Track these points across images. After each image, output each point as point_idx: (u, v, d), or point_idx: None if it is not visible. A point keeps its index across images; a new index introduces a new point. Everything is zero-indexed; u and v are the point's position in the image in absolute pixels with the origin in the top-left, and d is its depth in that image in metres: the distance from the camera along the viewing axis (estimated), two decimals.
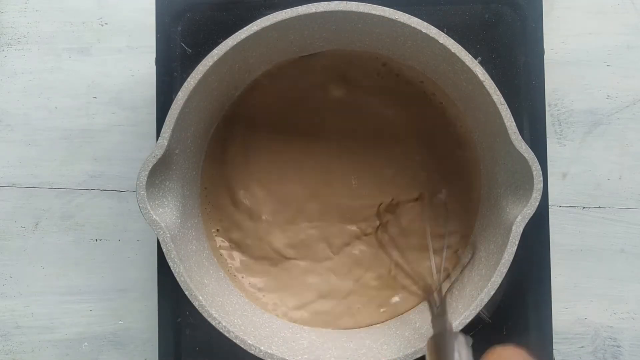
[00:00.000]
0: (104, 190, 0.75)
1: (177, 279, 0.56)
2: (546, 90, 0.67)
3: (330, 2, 0.56)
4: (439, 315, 0.57)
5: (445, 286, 0.63)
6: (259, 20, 0.56)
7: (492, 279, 0.56)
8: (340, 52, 0.66)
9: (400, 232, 0.67)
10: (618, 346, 0.73)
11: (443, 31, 0.56)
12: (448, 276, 0.66)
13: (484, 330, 0.66)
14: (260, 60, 0.63)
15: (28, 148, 0.75)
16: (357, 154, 0.68)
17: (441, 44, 0.56)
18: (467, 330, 0.56)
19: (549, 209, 0.68)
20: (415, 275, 0.65)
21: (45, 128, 0.75)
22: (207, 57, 0.56)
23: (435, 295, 0.61)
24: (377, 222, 0.67)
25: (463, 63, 0.56)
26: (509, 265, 0.55)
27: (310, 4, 0.56)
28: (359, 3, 0.56)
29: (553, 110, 0.72)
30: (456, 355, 0.50)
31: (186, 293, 0.56)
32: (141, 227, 0.74)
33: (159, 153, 0.55)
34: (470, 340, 0.51)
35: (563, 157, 0.73)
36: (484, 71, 0.56)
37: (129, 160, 0.74)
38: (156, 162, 0.55)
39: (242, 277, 0.68)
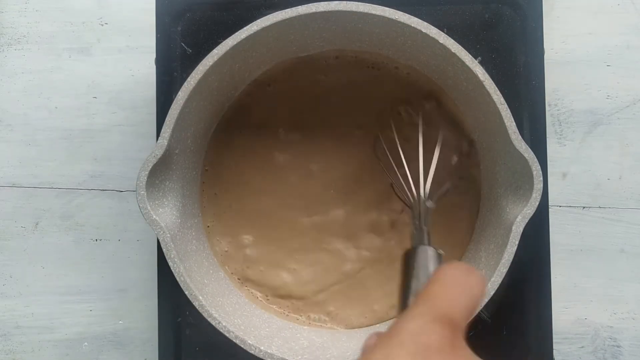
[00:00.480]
0: (104, 190, 0.75)
1: (177, 278, 0.56)
2: (546, 90, 0.67)
3: (330, 2, 0.56)
4: (418, 228, 0.56)
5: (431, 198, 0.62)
6: (259, 20, 0.56)
7: (492, 279, 0.56)
8: (340, 53, 0.66)
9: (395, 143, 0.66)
10: (618, 346, 0.73)
11: (443, 31, 0.56)
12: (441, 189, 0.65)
13: (484, 330, 0.66)
14: (260, 60, 0.64)
15: (28, 148, 0.75)
16: (356, 153, 0.68)
17: (441, 44, 0.56)
18: (467, 330, 0.56)
19: (549, 209, 0.68)
20: (405, 186, 0.64)
21: (45, 128, 0.75)
22: (207, 57, 0.56)
23: (420, 206, 0.59)
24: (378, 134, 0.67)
25: (463, 63, 0.56)
26: (509, 265, 0.55)
27: (311, 4, 0.56)
28: (359, 3, 0.56)
29: (553, 110, 0.72)
30: (418, 269, 0.48)
31: (186, 293, 0.56)
32: (141, 227, 0.74)
33: (159, 153, 0.55)
34: (441, 254, 0.50)
35: (563, 157, 0.73)
36: (484, 71, 0.56)
37: (129, 160, 0.74)
38: (156, 162, 0.55)
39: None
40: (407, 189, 0.62)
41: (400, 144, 0.64)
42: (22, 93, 0.75)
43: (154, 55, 0.67)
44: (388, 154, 0.65)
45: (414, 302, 0.39)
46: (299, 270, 0.68)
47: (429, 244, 0.51)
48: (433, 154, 0.62)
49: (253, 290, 0.68)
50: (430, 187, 0.61)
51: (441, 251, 0.50)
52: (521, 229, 0.55)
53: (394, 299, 0.67)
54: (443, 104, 0.66)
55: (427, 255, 0.49)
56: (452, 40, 0.56)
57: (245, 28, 0.56)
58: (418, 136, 0.63)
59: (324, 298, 0.68)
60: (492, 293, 0.56)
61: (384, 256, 0.68)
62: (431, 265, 0.49)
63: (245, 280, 0.68)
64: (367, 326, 0.67)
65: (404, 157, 0.63)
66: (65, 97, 0.75)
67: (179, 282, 0.56)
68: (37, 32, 0.75)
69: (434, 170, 0.62)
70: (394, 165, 0.64)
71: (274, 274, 0.68)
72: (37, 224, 0.75)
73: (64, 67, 0.75)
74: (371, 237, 0.68)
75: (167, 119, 0.55)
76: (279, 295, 0.68)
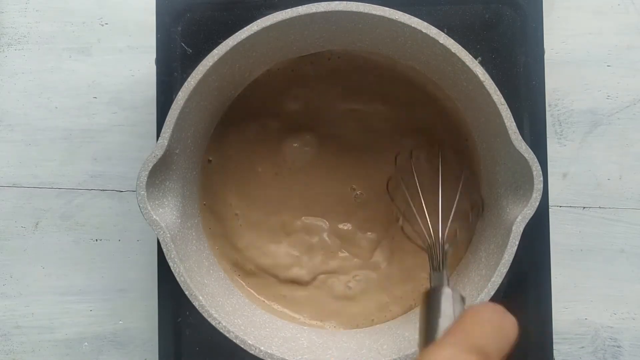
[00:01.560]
0: (104, 190, 0.75)
1: (177, 279, 0.56)
2: (546, 91, 0.67)
3: (330, 2, 0.56)
4: (436, 269, 0.57)
5: (448, 241, 0.62)
6: (259, 20, 0.56)
7: (492, 279, 0.56)
8: (341, 53, 0.66)
9: (411, 184, 0.66)
10: (618, 346, 0.73)
11: (443, 31, 0.56)
12: (456, 234, 0.66)
13: None
14: (260, 60, 0.63)
15: (28, 148, 0.75)
16: (357, 153, 0.68)
17: (441, 44, 0.56)
18: None
19: (549, 209, 0.68)
20: (422, 227, 0.64)
21: (45, 128, 0.75)
22: (207, 57, 0.56)
23: (437, 248, 0.60)
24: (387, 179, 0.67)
25: (463, 63, 0.56)
26: (509, 265, 0.55)
27: (311, 4, 0.56)
28: (359, 3, 0.56)
29: (553, 111, 0.72)
30: (444, 309, 0.49)
31: (186, 293, 0.56)
32: (141, 227, 0.74)
33: (159, 153, 0.55)
34: (464, 297, 0.51)
35: (563, 157, 0.73)
36: (484, 71, 0.56)
37: (129, 160, 0.74)
38: (156, 162, 0.55)
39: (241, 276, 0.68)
40: (426, 230, 0.63)
41: (418, 183, 0.65)
42: (23, 93, 0.75)
43: (154, 55, 0.67)
44: (405, 190, 0.66)
45: (445, 334, 0.39)
46: (300, 270, 0.68)
47: (449, 286, 0.52)
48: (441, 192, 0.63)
49: (253, 290, 0.68)
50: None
51: (463, 294, 0.51)
52: (521, 229, 0.55)
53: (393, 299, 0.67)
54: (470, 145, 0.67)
55: (451, 297, 0.50)
56: (452, 41, 0.56)
57: (245, 28, 0.56)
58: (436, 175, 0.65)
59: (323, 299, 0.68)
60: (492, 294, 0.56)
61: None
62: (457, 306, 0.49)
63: (245, 280, 0.68)
64: (368, 327, 0.67)
65: (422, 196, 0.64)
66: (65, 97, 0.75)
67: (179, 282, 0.56)
68: (37, 32, 0.75)
69: (453, 213, 0.63)
70: (411, 204, 0.65)
71: (275, 274, 0.68)
72: (37, 224, 0.75)
73: (64, 67, 0.75)
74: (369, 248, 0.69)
75: (167, 119, 0.55)
76: (280, 295, 0.68)
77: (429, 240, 0.61)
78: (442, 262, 0.58)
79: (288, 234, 0.68)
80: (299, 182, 0.68)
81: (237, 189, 0.68)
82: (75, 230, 0.75)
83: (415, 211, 0.64)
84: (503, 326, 0.39)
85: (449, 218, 0.62)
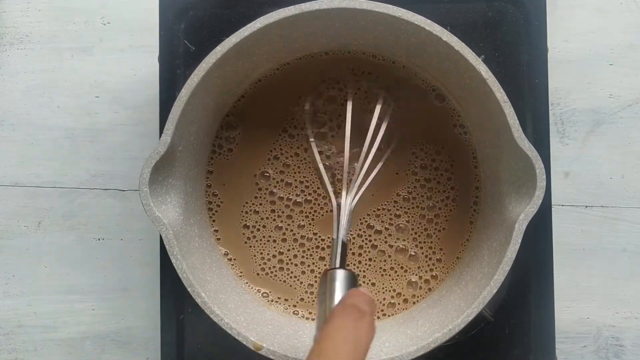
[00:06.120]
0: (106, 189, 0.75)
1: (180, 275, 0.56)
2: (549, 89, 0.67)
3: (333, 0, 0.56)
4: (336, 244, 0.57)
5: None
6: (262, 18, 0.56)
7: (495, 277, 0.55)
8: (344, 50, 0.66)
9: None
10: (620, 345, 0.73)
11: (446, 29, 0.56)
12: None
13: (487, 329, 0.66)
14: (263, 57, 0.64)
15: (30, 147, 0.75)
16: (358, 152, 0.68)
17: (444, 41, 0.56)
18: (468, 328, 0.56)
19: (552, 208, 0.68)
20: (327, 180, 0.64)
21: (47, 127, 0.75)
22: (210, 54, 0.56)
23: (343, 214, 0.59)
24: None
25: (466, 60, 0.56)
26: (511, 263, 0.55)
27: (314, 1, 0.56)
28: (363, 0, 0.56)
29: (555, 109, 0.72)
30: (333, 292, 0.51)
31: (189, 290, 0.56)
32: (143, 226, 0.74)
33: (162, 150, 0.55)
34: (355, 276, 0.52)
35: (565, 156, 0.73)
36: (487, 69, 0.56)
37: (131, 159, 0.75)
38: (159, 159, 0.55)
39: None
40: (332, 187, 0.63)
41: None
42: (25, 93, 0.75)
43: (156, 55, 0.67)
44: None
45: (308, 356, 0.43)
46: (303, 267, 0.68)
47: (344, 264, 0.55)
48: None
49: (255, 287, 0.68)
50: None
51: (354, 272, 0.54)
52: (524, 227, 0.55)
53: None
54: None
55: (341, 279, 0.51)
56: (456, 38, 0.56)
57: (248, 25, 0.56)
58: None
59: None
60: (494, 291, 0.56)
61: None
62: (342, 291, 0.51)
63: (248, 277, 0.68)
64: None
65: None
66: (67, 96, 0.75)
67: (182, 279, 0.56)
68: (39, 31, 0.75)
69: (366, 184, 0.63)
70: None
71: (278, 270, 0.68)
72: (39, 223, 0.75)
73: (66, 66, 0.75)
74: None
75: (170, 115, 0.55)
76: (283, 292, 0.68)
77: (334, 202, 0.61)
78: (342, 232, 0.57)
79: (291, 233, 0.68)
80: (304, 178, 0.68)
81: (241, 187, 0.68)
82: (77, 229, 0.75)
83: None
84: (358, 338, 0.44)
85: (361, 188, 0.62)
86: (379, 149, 0.63)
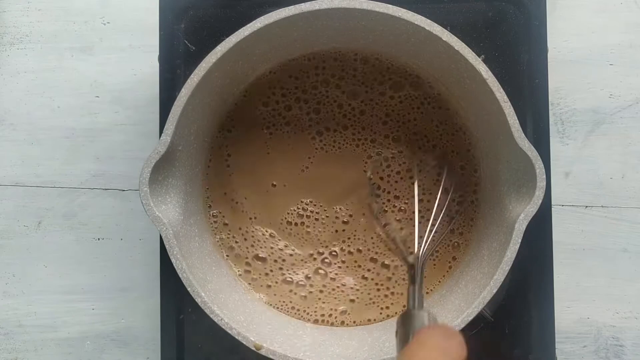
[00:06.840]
0: (106, 189, 0.75)
1: (180, 275, 0.56)
2: (549, 89, 0.67)
3: (333, 0, 0.56)
4: (414, 290, 0.57)
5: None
6: (262, 17, 0.56)
7: (495, 277, 0.56)
8: (343, 50, 0.66)
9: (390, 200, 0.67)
10: (621, 345, 0.73)
11: (446, 29, 0.56)
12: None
13: (486, 329, 0.66)
14: (263, 57, 0.64)
15: (30, 147, 0.75)
16: (358, 152, 0.68)
17: (444, 41, 0.56)
18: (469, 328, 0.56)
19: (552, 208, 0.68)
20: (399, 244, 0.64)
21: (47, 127, 0.75)
22: (210, 54, 0.56)
23: (415, 264, 0.60)
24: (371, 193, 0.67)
25: (466, 60, 0.56)
26: (511, 263, 0.55)
27: (314, 1, 0.56)
28: (363, 0, 0.56)
29: (555, 109, 0.72)
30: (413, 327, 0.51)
31: (189, 290, 0.56)
32: (143, 226, 0.74)
33: (162, 149, 0.55)
34: (435, 318, 0.52)
35: (566, 156, 0.73)
36: (487, 69, 0.56)
37: (131, 159, 0.75)
38: (159, 159, 0.55)
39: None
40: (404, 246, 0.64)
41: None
42: (25, 92, 0.75)
43: (156, 55, 0.67)
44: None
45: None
46: (303, 267, 0.68)
47: (422, 306, 0.55)
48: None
49: (255, 287, 0.68)
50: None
51: (435, 315, 0.53)
52: (524, 227, 0.55)
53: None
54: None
55: (423, 321, 0.51)
56: (456, 38, 0.56)
57: (248, 25, 0.56)
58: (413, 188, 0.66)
59: (326, 296, 0.68)
60: (494, 291, 0.56)
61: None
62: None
63: (248, 277, 0.68)
64: (370, 324, 0.67)
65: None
66: (67, 96, 0.75)
67: (182, 279, 0.56)
68: (39, 31, 0.75)
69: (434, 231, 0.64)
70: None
71: (277, 270, 0.68)
72: (39, 223, 0.75)
73: (66, 66, 0.75)
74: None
75: (170, 115, 0.55)
76: (282, 292, 0.68)
77: (407, 258, 0.62)
78: (419, 281, 0.58)
79: (290, 234, 0.68)
80: (304, 179, 0.68)
81: (241, 186, 0.68)
82: (77, 229, 0.75)
83: (391, 235, 0.65)
84: (449, 351, 0.43)
85: (429, 236, 0.62)
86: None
